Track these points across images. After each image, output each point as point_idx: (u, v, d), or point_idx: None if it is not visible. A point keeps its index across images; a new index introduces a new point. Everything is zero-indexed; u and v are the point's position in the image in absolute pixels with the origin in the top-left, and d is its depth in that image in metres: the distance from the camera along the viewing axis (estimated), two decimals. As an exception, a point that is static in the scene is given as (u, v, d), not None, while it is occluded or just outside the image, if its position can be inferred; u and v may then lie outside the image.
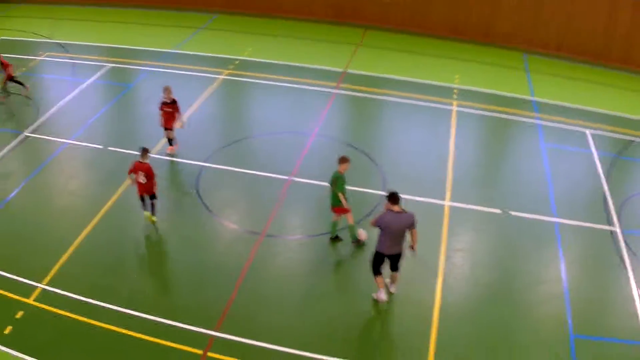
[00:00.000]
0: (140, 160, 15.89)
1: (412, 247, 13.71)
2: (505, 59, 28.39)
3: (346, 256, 15.77)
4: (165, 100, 18.93)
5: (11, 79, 23.27)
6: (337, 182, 15.10)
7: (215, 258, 15.65)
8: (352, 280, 15.06)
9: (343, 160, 15.15)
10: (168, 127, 19.31)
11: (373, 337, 13.49)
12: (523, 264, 15.68)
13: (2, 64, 23.02)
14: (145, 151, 15.95)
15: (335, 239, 16.06)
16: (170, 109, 18.99)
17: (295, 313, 14.13)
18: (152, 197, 16.32)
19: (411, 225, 13.41)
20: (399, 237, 13.47)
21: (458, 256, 15.80)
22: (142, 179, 15.89)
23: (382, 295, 14.07)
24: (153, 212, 16.49)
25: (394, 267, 14.11)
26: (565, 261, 15.75)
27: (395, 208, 13.23)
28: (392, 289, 14.50)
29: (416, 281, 14.91)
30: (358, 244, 15.93)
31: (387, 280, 14.45)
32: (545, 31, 28.94)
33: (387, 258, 13.82)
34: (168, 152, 19.65)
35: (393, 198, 13.24)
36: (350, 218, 15.74)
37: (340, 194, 15.15)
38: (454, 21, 30.29)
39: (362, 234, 15.89)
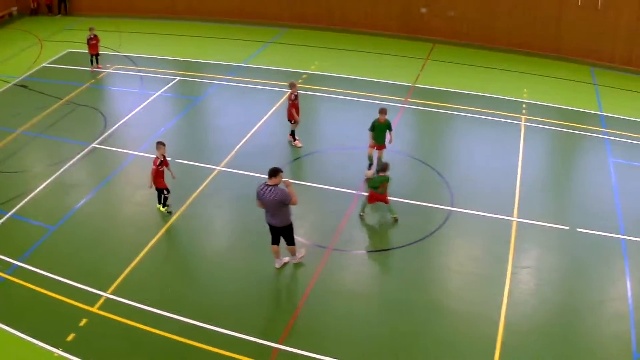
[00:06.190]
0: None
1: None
2: (573, 72, 28.25)
3: (413, 271, 15.96)
4: (295, 93, 20.76)
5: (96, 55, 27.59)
6: (390, 126, 19.10)
7: (282, 271, 15.80)
8: (420, 295, 15.16)
9: (385, 111, 18.96)
10: (297, 120, 21.16)
11: (438, 353, 13.54)
12: (589, 282, 15.68)
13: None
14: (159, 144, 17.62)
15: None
16: (297, 101, 20.94)
17: (363, 327, 14.13)
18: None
19: (280, 201, 14.44)
20: (272, 209, 14.60)
21: (524, 273, 15.85)
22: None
23: (276, 263, 15.74)
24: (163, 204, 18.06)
25: (285, 240, 15.45)
26: (631, 279, 15.69)
27: (269, 181, 14.40)
28: (286, 259, 15.97)
29: (482, 297, 15.07)
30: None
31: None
32: (612, 45, 28.78)
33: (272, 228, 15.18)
34: (299, 145, 21.51)
35: (271, 171, 14.39)
36: (382, 153, 19.62)
37: (390, 133, 19.19)
38: (521, 35, 30.35)
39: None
